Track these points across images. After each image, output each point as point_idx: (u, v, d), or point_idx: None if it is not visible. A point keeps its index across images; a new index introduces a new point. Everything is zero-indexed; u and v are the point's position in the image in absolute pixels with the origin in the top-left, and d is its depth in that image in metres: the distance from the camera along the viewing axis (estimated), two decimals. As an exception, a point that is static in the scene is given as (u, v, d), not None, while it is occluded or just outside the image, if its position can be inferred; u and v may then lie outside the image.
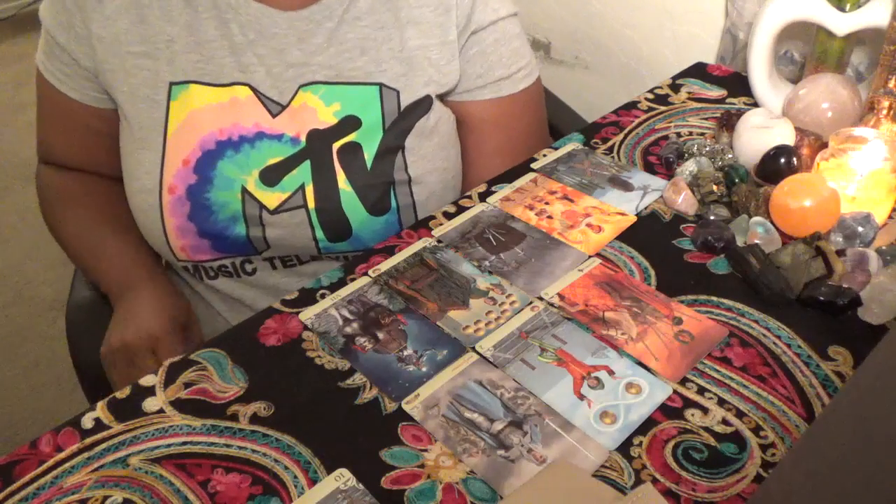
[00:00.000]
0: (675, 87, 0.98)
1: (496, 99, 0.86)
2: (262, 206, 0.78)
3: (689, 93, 0.97)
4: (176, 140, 0.77)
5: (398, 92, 0.80)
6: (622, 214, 0.76)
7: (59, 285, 1.90)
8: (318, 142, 0.78)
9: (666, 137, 0.88)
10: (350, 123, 0.79)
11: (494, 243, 0.73)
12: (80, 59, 0.78)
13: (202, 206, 0.77)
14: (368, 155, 0.79)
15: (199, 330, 0.84)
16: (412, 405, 0.57)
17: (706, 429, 0.55)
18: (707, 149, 0.80)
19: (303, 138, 0.78)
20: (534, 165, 0.84)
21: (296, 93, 0.78)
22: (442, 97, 0.85)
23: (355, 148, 0.79)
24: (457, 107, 0.86)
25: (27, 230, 2.09)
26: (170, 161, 0.77)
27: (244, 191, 0.77)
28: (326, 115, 0.79)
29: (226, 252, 0.81)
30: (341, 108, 0.79)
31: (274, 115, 0.78)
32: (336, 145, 0.78)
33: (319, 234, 0.79)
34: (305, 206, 0.78)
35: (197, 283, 0.86)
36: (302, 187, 0.78)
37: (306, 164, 0.78)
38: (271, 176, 0.78)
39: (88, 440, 0.56)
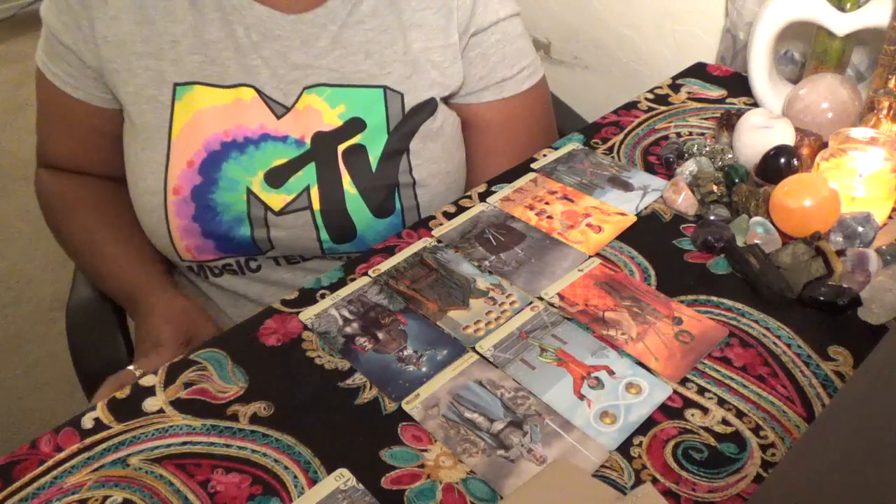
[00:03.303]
0: (675, 87, 0.98)
1: (500, 100, 0.86)
2: (267, 208, 0.78)
3: (689, 93, 0.97)
4: (180, 141, 0.77)
5: (402, 94, 0.80)
6: (622, 214, 0.76)
7: (59, 285, 1.90)
8: (324, 144, 0.78)
9: (666, 137, 0.88)
10: (355, 126, 0.79)
11: (494, 243, 0.73)
12: (85, 58, 0.77)
13: (207, 207, 0.77)
14: (373, 157, 0.79)
15: (209, 328, 0.80)
16: (412, 405, 0.57)
17: (706, 429, 0.55)
18: (707, 149, 0.80)
19: (307, 140, 0.78)
20: (534, 165, 0.84)
21: (300, 95, 0.78)
22: (447, 99, 0.85)
23: (360, 150, 0.79)
24: (461, 109, 0.86)
25: (27, 230, 2.09)
26: (174, 162, 0.77)
27: (249, 192, 0.77)
28: (331, 118, 0.79)
29: (230, 252, 0.81)
30: (346, 110, 0.79)
31: (279, 117, 0.78)
32: (341, 147, 0.79)
33: (324, 235, 0.79)
34: (310, 207, 0.78)
35: (201, 281, 0.86)
36: (307, 189, 0.78)
37: (311, 166, 0.78)
38: (276, 177, 0.78)
39: (88, 440, 0.56)
